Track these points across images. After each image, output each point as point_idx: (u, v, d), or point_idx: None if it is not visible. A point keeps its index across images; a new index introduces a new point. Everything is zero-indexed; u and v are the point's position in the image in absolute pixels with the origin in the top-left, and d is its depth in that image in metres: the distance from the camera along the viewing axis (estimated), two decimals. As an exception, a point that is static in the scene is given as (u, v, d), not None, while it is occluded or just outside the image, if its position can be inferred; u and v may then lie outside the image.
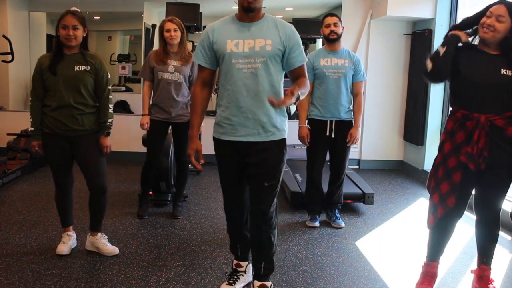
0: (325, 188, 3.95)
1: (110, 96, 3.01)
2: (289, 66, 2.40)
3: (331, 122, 3.72)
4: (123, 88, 7.15)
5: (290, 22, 6.46)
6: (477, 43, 2.52)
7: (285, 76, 2.48)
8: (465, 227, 3.68)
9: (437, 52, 2.50)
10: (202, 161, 2.48)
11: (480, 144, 2.41)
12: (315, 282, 2.88)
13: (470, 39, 2.53)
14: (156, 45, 5.35)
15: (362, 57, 4.20)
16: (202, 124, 2.67)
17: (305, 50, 6.16)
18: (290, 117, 6.85)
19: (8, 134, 5.62)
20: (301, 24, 5.73)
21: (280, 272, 2.97)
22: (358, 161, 6.27)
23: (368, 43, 6.06)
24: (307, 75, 2.45)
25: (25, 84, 6.44)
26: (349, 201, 4.28)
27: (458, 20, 5.30)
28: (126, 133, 5.93)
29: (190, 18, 5.28)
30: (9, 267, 2.89)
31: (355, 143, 3.80)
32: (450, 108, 2.61)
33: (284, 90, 2.41)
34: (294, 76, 2.43)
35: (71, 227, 3.20)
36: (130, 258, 3.11)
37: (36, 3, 6.77)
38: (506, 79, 2.39)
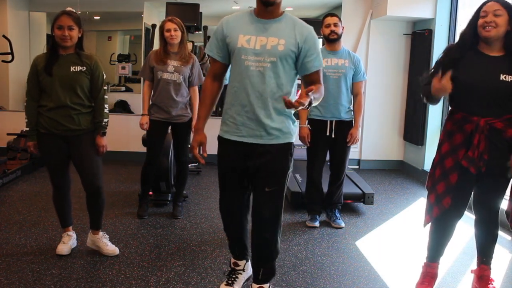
0: (325, 188, 3.95)
1: (105, 96, 3.00)
2: (304, 71, 2.29)
3: (331, 122, 3.72)
4: (123, 88, 7.15)
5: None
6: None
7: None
8: (465, 227, 3.68)
9: (427, 90, 2.46)
10: (205, 154, 2.41)
11: (481, 148, 2.40)
12: (315, 282, 2.88)
13: None
14: (156, 45, 5.36)
15: (362, 57, 4.20)
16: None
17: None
18: (290, 117, 6.85)
19: (8, 134, 5.62)
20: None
21: (280, 272, 2.97)
22: (358, 161, 6.27)
23: (368, 43, 6.06)
24: (322, 81, 2.33)
25: (25, 84, 6.38)
26: (349, 201, 4.28)
27: (458, 20, 5.35)
28: (126, 133, 5.93)
29: (190, 18, 5.28)
30: (9, 267, 2.89)
31: (356, 143, 3.80)
32: (449, 108, 2.61)
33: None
34: (308, 81, 2.31)
35: (70, 227, 3.20)
36: (130, 258, 3.11)
37: (36, 3, 6.78)
38: (505, 85, 2.37)
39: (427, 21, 5.63)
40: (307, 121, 3.74)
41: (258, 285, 2.54)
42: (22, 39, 6.41)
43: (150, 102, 3.84)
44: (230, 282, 2.65)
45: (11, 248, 3.19)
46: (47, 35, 6.71)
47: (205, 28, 5.52)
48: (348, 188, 4.25)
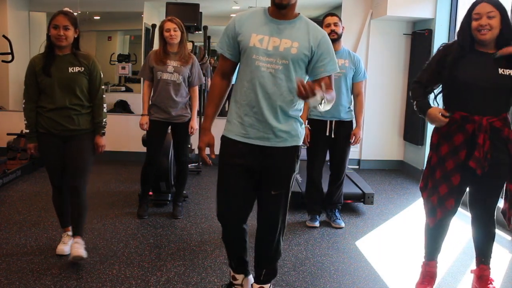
0: (325, 188, 3.95)
1: (103, 96, 2.99)
2: (315, 75, 2.23)
3: (331, 122, 3.72)
4: (123, 88, 7.15)
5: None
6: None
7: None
8: (465, 227, 3.68)
9: (421, 108, 2.56)
10: (213, 156, 2.32)
11: (486, 147, 2.40)
12: (315, 282, 2.88)
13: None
14: (156, 45, 5.36)
15: (362, 57, 4.20)
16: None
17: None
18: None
19: (8, 134, 5.62)
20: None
21: (280, 272, 2.96)
22: (358, 161, 6.27)
23: (368, 43, 6.06)
24: (333, 87, 2.28)
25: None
26: (349, 201, 4.28)
27: (458, 20, 5.34)
28: (126, 133, 5.93)
29: (190, 18, 5.27)
30: (9, 267, 2.89)
31: (358, 143, 3.81)
32: (444, 108, 2.60)
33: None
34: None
35: (70, 227, 3.19)
36: (130, 258, 3.11)
37: (36, 3, 6.77)
38: (504, 79, 2.38)
39: (427, 21, 5.63)
40: (306, 121, 3.74)
41: (259, 285, 2.52)
42: (22, 39, 6.41)
43: (150, 102, 3.84)
44: None
45: (11, 248, 3.19)
46: (47, 35, 6.70)
47: (205, 28, 5.52)
48: (348, 188, 4.25)
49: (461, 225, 3.61)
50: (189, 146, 5.04)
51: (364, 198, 4.28)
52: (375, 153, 6.27)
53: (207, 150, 2.36)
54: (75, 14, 2.97)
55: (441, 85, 2.60)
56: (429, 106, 2.55)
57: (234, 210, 2.34)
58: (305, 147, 3.87)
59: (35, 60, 2.90)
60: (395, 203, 4.69)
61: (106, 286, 2.70)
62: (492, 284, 2.62)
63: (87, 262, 3.00)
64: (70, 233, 3.16)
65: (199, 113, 5.57)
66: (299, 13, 2.26)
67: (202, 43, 5.81)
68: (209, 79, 5.58)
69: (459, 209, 2.65)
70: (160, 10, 6.36)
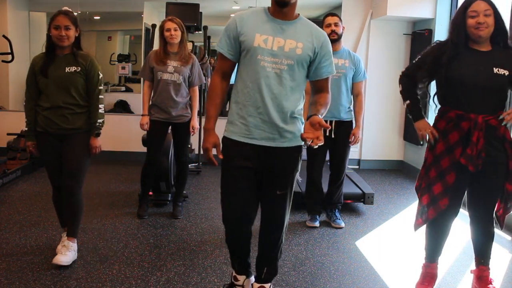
0: (325, 188, 3.95)
1: (101, 96, 2.97)
2: (316, 76, 2.26)
3: (331, 122, 3.72)
4: (123, 88, 7.15)
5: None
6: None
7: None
8: (465, 227, 3.67)
9: (414, 114, 2.65)
10: (220, 156, 2.28)
11: (479, 145, 2.41)
12: (315, 282, 2.88)
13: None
14: (156, 45, 5.35)
15: (362, 57, 4.20)
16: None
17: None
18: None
19: (8, 134, 5.62)
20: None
21: (280, 272, 2.96)
22: (358, 161, 6.27)
23: (368, 43, 6.07)
24: (330, 89, 2.32)
25: (25, 84, 6.42)
26: (349, 201, 4.28)
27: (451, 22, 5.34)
28: (126, 133, 5.93)
29: (190, 18, 5.28)
30: (9, 267, 2.89)
31: (358, 143, 3.81)
32: (440, 107, 2.60)
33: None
34: (317, 88, 2.30)
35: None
36: (130, 258, 3.11)
37: (36, 3, 6.77)
38: (499, 78, 2.39)
39: (427, 21, 5.63)
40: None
41: (259, 285, 2.51)
42: (22, 39, 6.41)
43: (150, 103, 3.84)
44: None
45: (11, 248, 3.19)
46: (47, 35, 6.70)
47: (205, 28, 5.52)
48: (348, 188, 4.25)
49: (461, 225, 3.61)
50: (189, 146, 5.04)
51: (364, 198, 4.28)
52: (375, 153, 6.27)
53: (213, 151, 2.33)
54: (75, 14, 2.96)
55: (436, 84, 2.60)
56: (421, 116, 2.61)
57: (240, 213, 2.32)
58: (305, 147, 3.86)
59: (36, 59, 2.92)
60: (395, 203, 4.69)
61: (106, 286, 2.70)
62: (492, 284, 2.62)
63: (87, 262, 3.00)
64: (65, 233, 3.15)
65: (199, 113, 5.57)
66: (299, 14, 2.26)
67: (202, 43, 5.81)
68: (209, 79, 5.58)
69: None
70: (160, 10, 6.36)
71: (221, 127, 2.32)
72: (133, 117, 6.10)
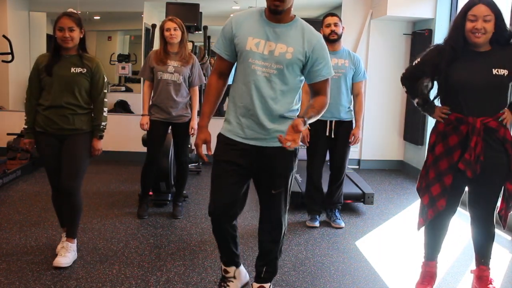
0: (325, 188, 3.95)
1: (105, 100, 3.00)
2: (311, 79, 2.27)
3: (331, 122, 3.72)
4: (123, 88, 7.15)
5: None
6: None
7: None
8: (465, 227, 3.68)
9: (426, 109, 2.65)
10: (210, 153, 2.37)
11: (477, 150, 2.41)
12: (315, 282, 2.88)
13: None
14: (156, 45, 5.35)
15: (362, 57, 4.20)
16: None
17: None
18: (290, 117, 6.85)
19: (8, 134, 5.62)
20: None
21: (280, 272, 2.96)
22: (358, 161, 6.27)
23: (368, 43, 6.06)
24: (328, 92, 2.31)
25: (25, 84, 6.31)
26: (349, 201, 4.28)
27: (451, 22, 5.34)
28: (126, 133, 5.93)
29: (190, 18, 5.28)
30: (9, 267, 2.89)
31: (357, 143, 3.81)
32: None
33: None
34: (314, 90, 2.30)
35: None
36: (130, 258, 3.11)
37: (36, 3, 6.77)
38: (499, 79, 2.38)
39: (427, 21, 5.63)
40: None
41: (259, 285, 2.53)
42: (22, 39, 6.41)
43: (150, 102, 3.84)
44: None
45: (11, 248, 3.19)
46: (47, 35, 6.71)
47: (205, 28, 5.52)
48: (348, 188, 4.25)
49: (461, 225, 3.61)
50: (189, 146, 5.04)
51: (364, 198, 4.28)
52: (375, 153, 6.27)
53: (204, 148, 2.41)
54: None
55: (437, 88, 2.60)
56: (434, 108, 2.60)
57: (224, 207, 2.37)
58: (305, 147, 3.87)
59: (41, 57, 2.94)
60: (395, 203, 4.69)
61: (106, 286, 2.70)
62: (492, 284, 2.62)
63: (87, 262, 3.00)
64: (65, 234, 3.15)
65: (199, 113, 5.55)
66: (295, 16, 2.26)
67: (202, 43, 5.81)
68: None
69: (459, 208, 2.65)
70: (160, 10, 6.36)
71: (217, 127, 2.34)
72: (133, 117, 6.10)
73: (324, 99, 2.30)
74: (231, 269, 2.60)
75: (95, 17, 6.94)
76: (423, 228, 2.70)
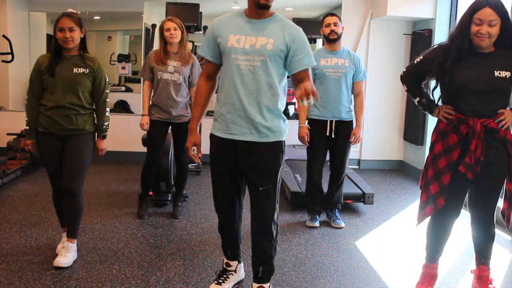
0: (325, 188, 3.95)
1: (107, 100, 3.02)
2: (293, 69, 2.34)
3: (331, 122, 3.72)
4: (123, 88, 7.15)
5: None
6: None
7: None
8: (465, 227, 3.68)
9: (426, 107, 2.65)
10: (200, 155, 2.47)
11: (477, 153, 2.41)
12: (315, 282, 2.88)
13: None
14: (156, 45, 5.35)
15: (362, 57, 4.20)
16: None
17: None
18: (290, 117, 6.86)
19: (8, 134, 5.61)
20: (301, 24, 5.60)
21: (280, 272, 2.97)
22: (358, 161, 6.27)
23: (368, 43, 6.06)
24: (311, 79, 2.37)
25: (25, 84, 6.35)
26: (349, 201, 4.28)
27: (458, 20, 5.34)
28: (126, 133, 5.93)
29: (190, 18, 5.28)
30: (9, 267, 2.89)
31: (358, 142, 3.81)
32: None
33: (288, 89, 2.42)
34: (297, 79, 2.35)
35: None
36: (130, 258, 3.11)
37: (36, 3, 6.77)
38: (501, 81, 2.38)
39: (427, 21, 5.63)
40: (306, 121, 3.74)
41: (258, 285, 2.54)
42: (22, 39, 6.41)
43: (150, 102, 3.84)
44: (220, 281, 2.67)
45: (11, 248, 3.19)
46: (47, 35, 6.71)
47: (205, 28, 5.52)
48: (348, 188, 4.25)
49: (461, 225, 3.61)
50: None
51: (364, 198, 4.28)
52: (375, 153, 6.27)
53: (195, 150, 2.53)
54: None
55: (439, 88, 2.59)
56: (435, 106, 2.60)
57: (225, 202, 2.52)
58: (305, 147, 3.87)
59: (42, 58, 2.94)
60: (395, 203, 4.69)
61: (106, 286, 2.70)
62: (492, 284, 2.62)
63: (87, 262, 3.01)
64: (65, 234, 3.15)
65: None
66: (274, 12, 2.36)
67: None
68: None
69: (459, 208, 2.65)
70: (160, 10, 6.36)
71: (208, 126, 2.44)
72: (133, 117, 6.10)
73: (310, 81, 2.31)
74: (234, 263, 2.71)
75: (95, 17, 6.94)
76: (425, 230, 2.70)
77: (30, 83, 2.94)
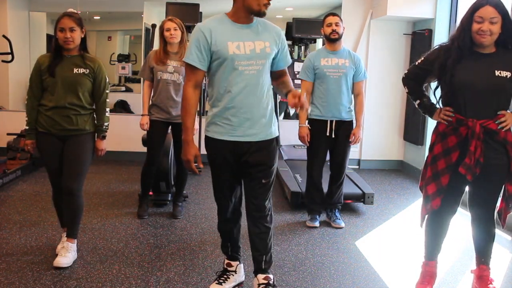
0: (325, 188, 3.95)
1: (107, 100, 3.02)
2: (280, 66, 2.49)
3: (331, 122, 3.72)
4: (123, 88, 7.15)
5: (290, 22, 6.38)
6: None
7: None
8: (465, 227, 3.68)
9: (425, 107, 2.66)
10: (201, 166, 2.46)
11: (477, 154, 2.41)
12: (315, 282, 2.88)
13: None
14: (156, 45, 5.35)
15: (362, 57, 4.20)
16: (197, 126, 2.63)
17: (305, 50, 6.18)
18: (290, 117, 6.86)
19: (8, 134, 5.62)
20: (301, 24, 5.72)
21: (280, 272, 2.97)
22: (358, 161, 6.27)
23: (368, 43, 6.06)
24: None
25: (25, 84, 6.35)
26: (349, 201, 4.28)
27: (458, 20, 5.34)
28: (126, 133, 5.93)
29: (190, 18, 5.28)
30: (9, 267, 2.89)
31: (358, 142, 3.81)
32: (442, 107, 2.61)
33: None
34: (279, 74, 2.51)
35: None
36: (130, 258, 3.11)
37: (36, 3, 6.78)
38: (501, 81, 2.38)
39: (427, 21, 5.63)
40: (306, 121, 3.74)
41: (264, 275, 2.58)
42: (22, 39, 6.41)
43: (150, 102, 3.84)
44: (221, 281, 2.69)
45: (11, 248, 3.19)
46: (47, 35, 6.71)
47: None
48: (348, 188, 4.25)
49: (461, 225, 3.61)
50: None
51: (364, 198, 4.28)
52: (375, 153, 6.27)
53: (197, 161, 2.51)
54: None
55: (440, 88, 2.59)
56: (435, 109, 2.61)
57: (229, 192, 2.56)
58: (305, 147, 3.87)
59: (42, 58, 2.93)
60: (395, 203, 4.69)
61: (106, 286, 2.70)
62: (492, 284, 2.62)
63: (87, 262, 3.01)
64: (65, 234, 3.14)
65: (199, 113, 5.56)
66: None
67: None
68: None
69: (459, 208, 2.65)
70: (160, 10, 6.36)
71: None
72: (133, 117, 6.10)
73: (289, 77, 2.54)
74: (235, 264, 2.73)
75: (95, 17, 6.94)
76: (423, 228, 2.70)
77: (30, 83, 2.94)
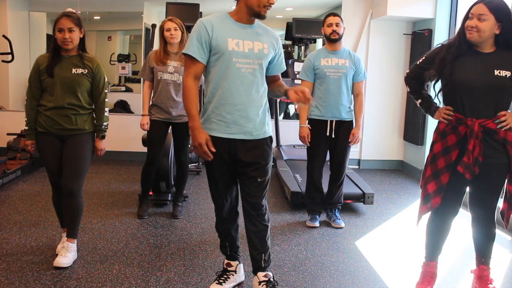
0: (325, 188, 3.95)
1: (106, 100, 3.02)
2: (275, 71, 2.55)
3: (331, 122, 3.72)
4: (123, 88, 7.16)
5: (290, 22, 6.37)
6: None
7: None
8: (465, 227, 3.68)
9: (426, 106, 2.67)
10: (213, 149, 2.40)
11: (475, 153, 2.41)
12: (315, 282, 2.88)
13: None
14: (156, 45, 5.35)
15: (362, 57, 4.20)
16: None
17: (305, 50, 6.18)
18: (290, 117, 6.86)
19: (8, 134, 5.62)
20: (301, 24, 5.72)
21: (280, 272, 2.97)
22: (358, 161, 6.27)
23: (368, 43, 6.06)
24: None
25: (25, 84, 6.32)
26: (349, 201, 4.28)
27: (458, 20, 5.35)
28: (126, 133, 5.93)
29: (190, 18, 5.26)
30: (9, 267, 2.89)
31: (357, 143, 3.81)
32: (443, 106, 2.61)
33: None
34: (273, 79, 2.56)
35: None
36: (130, 258, 3.11)
37: (36, 3, 6.78)
38: (500, 80, 2.38)
39: (427, 21, 5.63)
40: (307, 121, 3.75)
41: (264, 273, 2.58)
42: (22, 39, 6.41)
43: (150, 103, 3.84)
44: (221, 281, 2.70)
45: (11, 248, 3.19)
46: (47, 35, 6.72)
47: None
48: (348, 188, 4.25)
49: (461, 225, 3.61)
50: (189, 146, 5.04)
51: (364, 198, 4.28)
52: (375, 153, 6.27)
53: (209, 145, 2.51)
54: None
55: (440, 85, 2.60)
56: (436, 108, 2.62)
57: (227, 190, 2.59)
58: (305, 147, 3.87)
59: (41, 58, 2.93)
60: (395, 203, 4.69)
61: (106, 286, 2.71)
62: (492, 284, 2.63)
63: (87, 262, 3.01)
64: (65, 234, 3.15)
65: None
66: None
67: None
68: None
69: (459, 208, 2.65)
70: (160, 10, 6.37)
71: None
72: (133, 117, 6.10)
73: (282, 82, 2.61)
74: (235, 264, 2.74)
75: (95, 17, 6.95)
76: (424, 228, 2.70)
77: (29, 83, 2.94)
